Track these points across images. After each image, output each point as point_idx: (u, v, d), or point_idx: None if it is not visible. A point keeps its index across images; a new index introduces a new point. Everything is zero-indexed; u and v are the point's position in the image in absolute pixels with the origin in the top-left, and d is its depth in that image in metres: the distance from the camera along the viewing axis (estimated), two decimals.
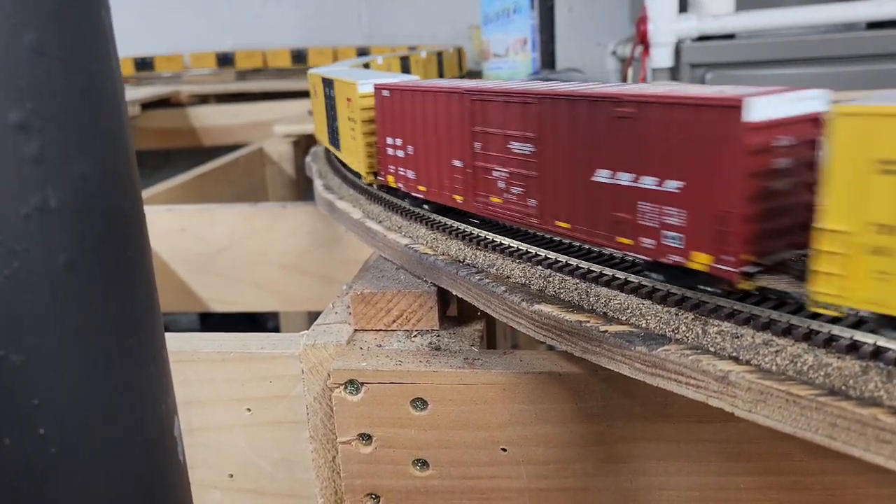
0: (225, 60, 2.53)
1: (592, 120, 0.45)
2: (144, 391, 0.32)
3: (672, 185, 0.41)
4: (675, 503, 0.51)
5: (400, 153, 0.66)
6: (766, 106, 0.38)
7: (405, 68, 1.37)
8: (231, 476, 0.59)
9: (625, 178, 0.44)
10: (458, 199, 0.59)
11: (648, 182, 0.42)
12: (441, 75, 1.69)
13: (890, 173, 0.32)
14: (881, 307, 0.33)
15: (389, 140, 0.67)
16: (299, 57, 2.47)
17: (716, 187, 0.39)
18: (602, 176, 0.45)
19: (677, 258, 0.41)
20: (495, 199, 0.55)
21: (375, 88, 0.68)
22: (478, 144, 0.55)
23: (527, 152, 0.50)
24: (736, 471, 0.50)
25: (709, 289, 0.41)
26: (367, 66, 1.26)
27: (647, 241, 0.43)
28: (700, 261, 0.40)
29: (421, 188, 0.64)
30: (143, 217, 0.32)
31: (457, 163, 0.58)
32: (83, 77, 0.27)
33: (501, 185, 0.53)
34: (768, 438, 0.49)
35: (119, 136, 0.30)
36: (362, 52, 2.39)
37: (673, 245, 0.41)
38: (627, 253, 0.45)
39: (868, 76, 1.55)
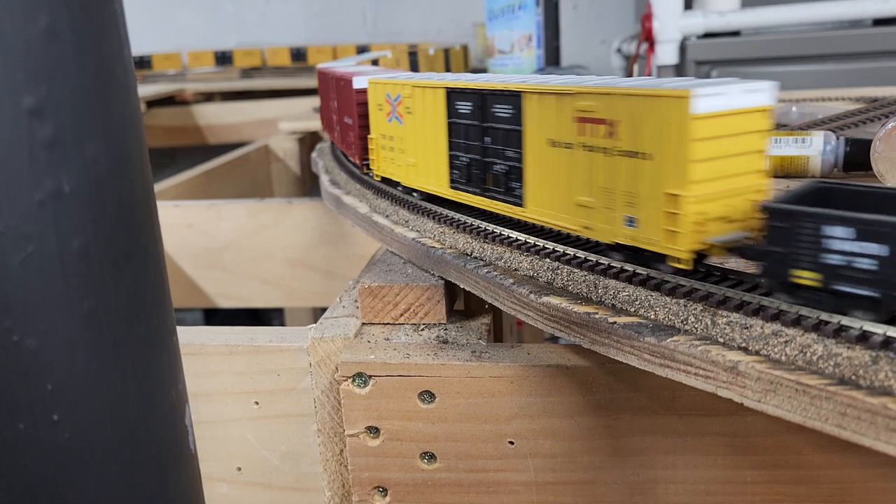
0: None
1: (339, 88, 0.84)
2: (156, 378, 0.32)
3: (349, 121, 0.80)
4: (681, 496, 0.51)
5: (322, 112, 1.11)
6: (363, 80, 0.74)
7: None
8: (239, 469, 0.59)
9: (346, 119, 0.82)
10: (334, 136, 0.98)
11: (348, 120, 0.81)
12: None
13: (380, 109, 0.68)
14: (389, 175, 0.70)
15: (322, 104, 1.12)
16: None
17: (352, 123, 0.77)
18: (344, 119, 0.84)
19: (355, 161, 0.80)
20: (336, 135, 0.94)
21: (317, 71, 1.10)
22: (333, 104, 0.93)
23: (336, 107, 0.89)
24: (743, 464, 0.50)
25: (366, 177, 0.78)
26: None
27: (350, 152, 0.82)
28: (356, 160, 0.80)
29: (327, 134, 1.07)
30: (154, 203, 0.32)
31: (333, 116, 0.95)
32: (95, 61, 0.28)
33: (336, 127, 0.93)
34: (776, 432, 0.49)
35: (131, 122, 0.30)
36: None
37: (354, 153, 0.80)
38: (350, 158, 0.85)
39: (874, 73, 1.55)
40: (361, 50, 2.40)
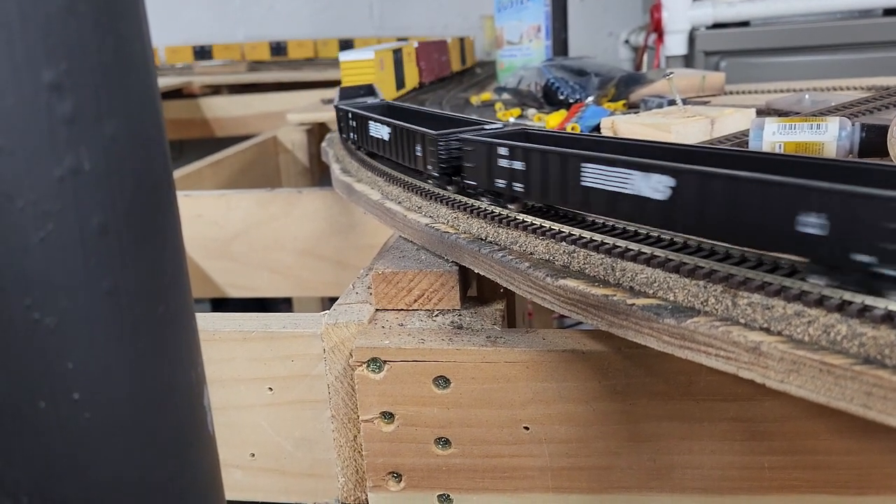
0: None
1: None
2: (175, 359, 0.32)
3: None
4: (698, 482, 0.51)
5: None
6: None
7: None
8: (253, 455, 0.59)
9: None
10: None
11: None
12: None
13: None
14: None
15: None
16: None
17: None
18: None
19: None
20: None
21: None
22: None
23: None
24: (760, 450, 0.49)
25: None
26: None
27: None
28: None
29: None
30: (173, 183, 0.32)
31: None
32: (114, 37, 0.27)
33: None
34: (793, 417, 0.48)
35: (149, 99, 0.29)
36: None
37: None
38: None
39: (885, 62, 1.54)
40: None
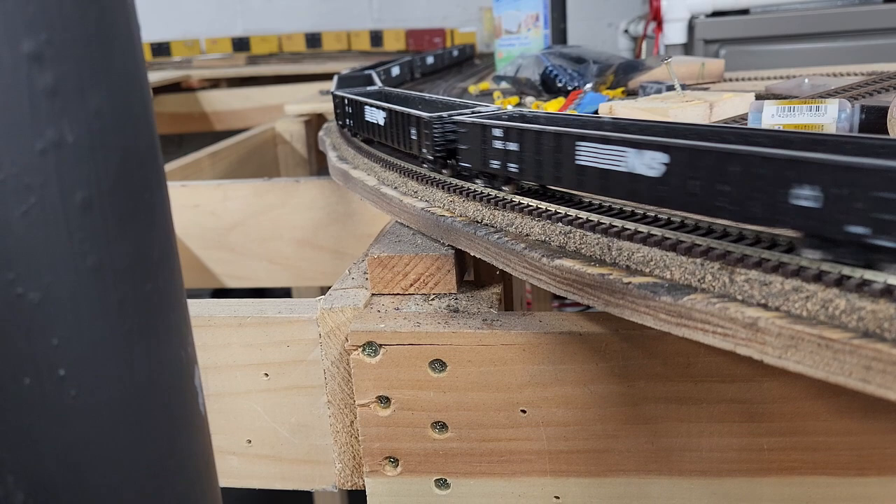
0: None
1: None
2: (163, 337, 0.31)
3: None
4: (696, 464, 0.50)
5: None
6: None
7: None
8: (249, 442, 0.58)
9: None
10: None
11: None
12: None
13: None
14: None
15: None
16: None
17: None
18: None
19: None
20: None
21: None
22: None
23: None
24: (759, 431, 0.49)
25: None
26: None
27: None
28: None
29: None
30: (160, 159, 0.31)
31: None
32: (97, 8, 0.27)
33: None
34: (793, 398, 0.48)
35: (134, 73, 0.29)
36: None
37: None
38: None
39: (884, 49, 1.53)
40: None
